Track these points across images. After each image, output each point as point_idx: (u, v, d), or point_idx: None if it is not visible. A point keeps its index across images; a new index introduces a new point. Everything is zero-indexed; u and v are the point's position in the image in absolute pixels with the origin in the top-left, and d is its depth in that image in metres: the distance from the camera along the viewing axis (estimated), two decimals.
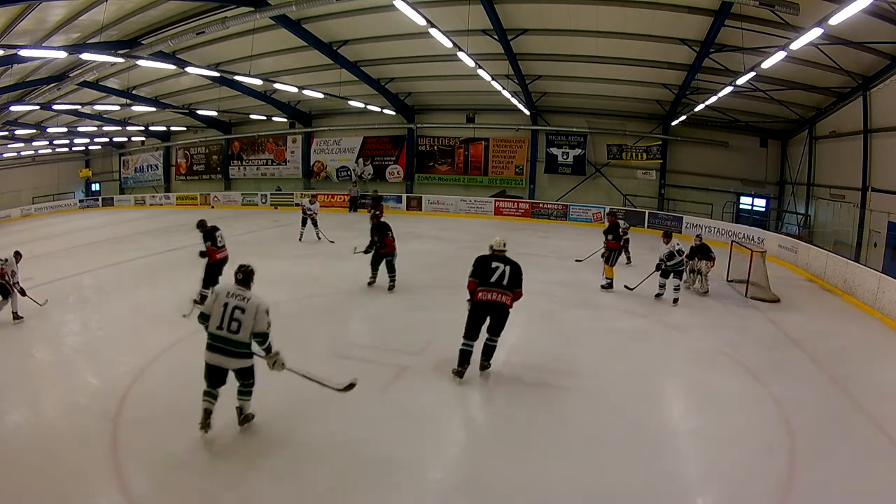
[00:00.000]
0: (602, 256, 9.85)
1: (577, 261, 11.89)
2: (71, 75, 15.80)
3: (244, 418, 4.54)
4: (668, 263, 8.73)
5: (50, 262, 12.01)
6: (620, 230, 9.92)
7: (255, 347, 4.34)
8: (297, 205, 14.34)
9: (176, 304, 8.66)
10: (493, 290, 5.41)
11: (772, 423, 4.93)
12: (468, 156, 22.46)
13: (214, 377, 4.34)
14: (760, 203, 18.58)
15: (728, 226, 15.85)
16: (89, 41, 12.86)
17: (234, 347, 4.23)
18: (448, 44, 11.02)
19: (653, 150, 19.70)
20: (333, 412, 4.97)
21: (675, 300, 8.71)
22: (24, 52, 11.06)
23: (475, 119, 21.96)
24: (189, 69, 14.72)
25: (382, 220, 9.32)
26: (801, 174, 16.80)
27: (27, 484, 3.78)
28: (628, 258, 11.77)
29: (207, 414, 4.31)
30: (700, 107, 15.65)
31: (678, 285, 8.80)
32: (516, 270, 5.49)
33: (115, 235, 16.36)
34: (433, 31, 10.20)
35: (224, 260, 8.37)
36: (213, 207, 25.53)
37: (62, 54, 11.29)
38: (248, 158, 26.65)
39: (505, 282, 5.41)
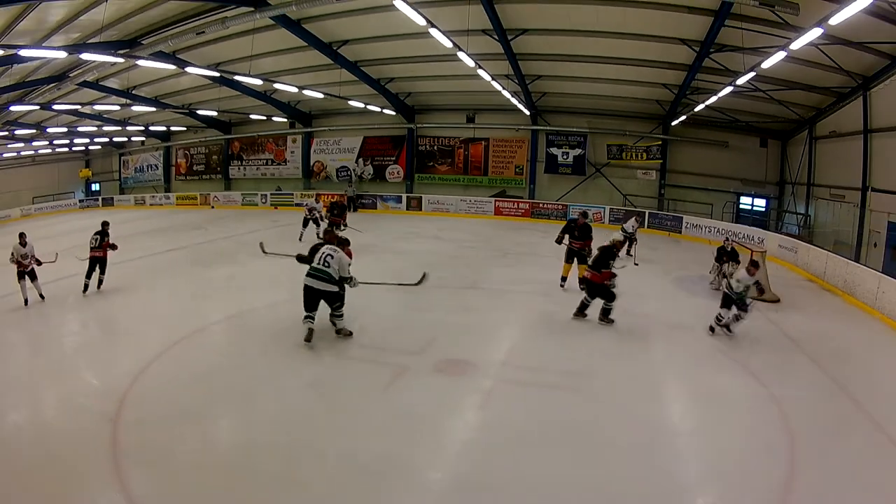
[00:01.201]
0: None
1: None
2: (71, 75, 15.79)
3: (339, 331, 6.62)
4: (737, 293, 7.21)
5: (50, 262, 12.00)
6: (627, 231, 10.09)
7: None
8: (303, 205, 14.33)
9: (176, 304, 8.68)
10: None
11: (772, 423, 4.93)
12: (468, 156, 22.46)
13: (310, 300, 6.31)
14: (760, 203, 18.57)
15: (728, 226, 15.84)
16: (89, 41, 12.86)
17: (322, 276, 6.26)
18: (448, 44, 11.02)
19: (653, 150, 19.69)
20: (333, 412, 4.98)
21: (728, 328, 7.32)
22: (24, 52, 11.06)
23: (475, 119, 21.95)
24: (189, 69, 14.71)
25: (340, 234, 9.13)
26: (801, 174, 16.80)
27: (27, 484, 3.78)
28: (629, 254, 11.81)
29: (310, 332, 6.35)
30: (700, 107, 15.64)
31: (738, 314, 7.23)
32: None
33: (114, 235, 16.32)
34: (433, 31, 10.20)
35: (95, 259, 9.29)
36: (213, 207, 25.55)
37: (62, 54, 11.28)
38: (248, 158, 26.65)
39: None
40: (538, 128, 21.00)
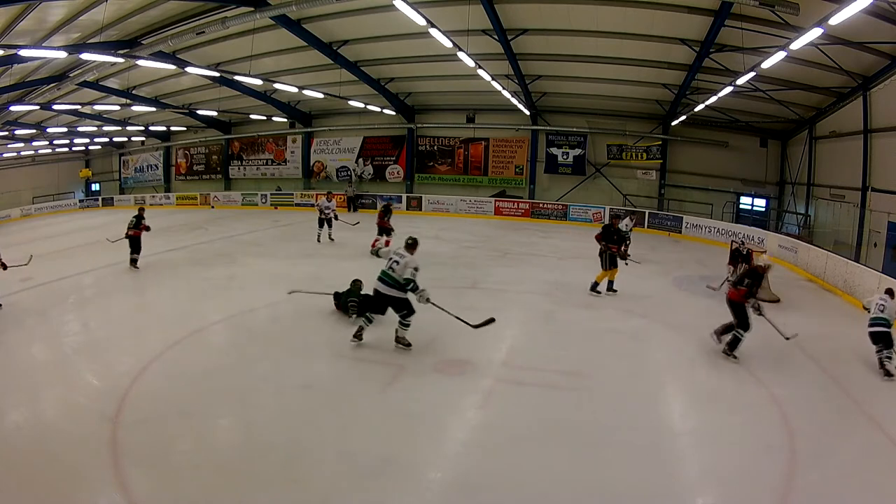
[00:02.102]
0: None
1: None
2: (71, 75, 15.80)
3: (399, 340, 6.32)
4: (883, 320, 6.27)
5: (50, 262, 12.01)
6: (621, 230, 9.81)
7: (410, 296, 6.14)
8: (315, 205, 14.31)
9: (176, 304, 8.68)
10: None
11: (772, 423, 4.92)
12: (468, 156, 22.47)
13: (376, 304, 6.24)
14: (760, 203, 18.57)
15: (728, 226, 15.85)
16: (89, 41, 12.86)
17: (388, 280, 6.12)
18: (448, 44, 11.02)
19: (653, 150, 19.69)
20: (333, 412, 4.98)
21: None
22: (24, 52, 11.07)
23: (475, 119, 21.95)
24: (189, 69, 14.71)
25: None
26: (801, 174, 16.80)
27: (27, 484, 3.78)
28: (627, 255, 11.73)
29: (360, 330, 6.36)
30: (700, 107, 15.64)
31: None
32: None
33: (115, 235, 16.34)
34: (433, 31, 10.20)
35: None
36: (213, 207, 25.54)
37: (62, 54, 11.28)
38: (248, 158, 26.65)
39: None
40: (538, 128, 21.00)
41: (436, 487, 3.96)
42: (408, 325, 6.30)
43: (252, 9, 10.93)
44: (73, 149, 28.57)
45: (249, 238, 15.59)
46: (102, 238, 15.77)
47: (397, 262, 6.11)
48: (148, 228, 11.21)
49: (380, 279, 6.16)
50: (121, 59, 12.01)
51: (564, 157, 20.92)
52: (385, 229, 12.35)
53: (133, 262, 11.05)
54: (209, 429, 4.72)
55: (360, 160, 24.12)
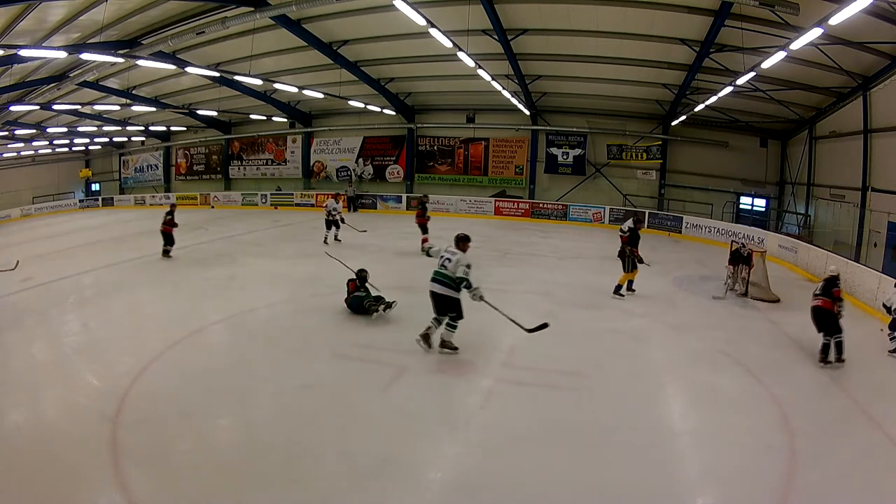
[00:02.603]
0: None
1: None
2: (71, 75, 15.80)
3: (443, 344, 6.20)
4: None
5: (50, 262, 12.02)
6: (623, 231, 9.84)
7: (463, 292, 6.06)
8: (325, 206, 14.46)
9: (176, 304, 8.68)
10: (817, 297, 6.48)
11: (772, 423, 4.92)
12: (468, 156, 22.46)
13: (434, 306, 6.18)
14: (760, 203, 18.58)
15: (728, 226, 15.85)
16: (89, 41, 12.86)
17: (440, 279, 6.08)
18: (448, 44, 11.02)
19: (653, 150, 19.69)
20: (332, 412, 4.98)
21: None
22: (24, 52, 11.06)
23: (475, 119, 21.95)
24: (189, 69, 14.72)
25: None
26: (801, 174, 16.80)
27: (27, 484, 3.78)
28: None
29: (427, 334, 6.26)
30: (700, 107, 15.64)
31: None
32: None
33: (115, 235, 16.37)
34: (433, 31, 10.20)
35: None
36: (213, 207, 25.54)
37: (62, 54, 11.28)
38: (248, 158, 26.65)
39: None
40: (538, 128, 21.00)
41: (436, 487, 3.96)
42: (454, 328, 6.15)
43: (252, 9, 10.94)
44: (73, 149, 28.57)
45: (249, 238, 15.59)
46: (104, 238, 15.84)
47: (449, 260, 6.03)
48: (175, 224, 12.30)
49: (433, 280, 6.09)
50: (121, 59, 12.01)
51: (564, 157, 20.92)
52: (423, 226, 12.96)
53: (164, 252, 12.19)
54: (209, 429, 4.72)
55: (360, 160, 24.12)
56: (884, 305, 7.25)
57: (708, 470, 4.29)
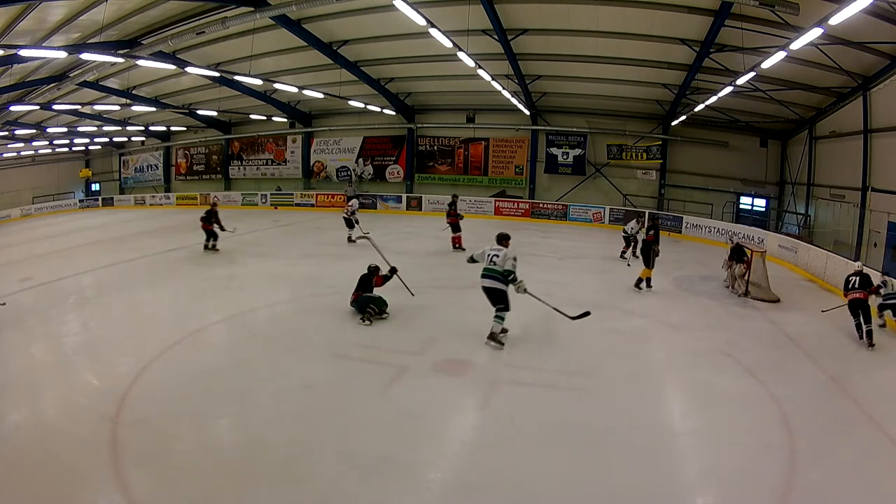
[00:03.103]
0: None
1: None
2: (71, 75, 15.79)
3: (491, 336, 6.50)
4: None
5: (50, 262, 12.02)
6: (626, 233, 10.15)
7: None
8: (348, 205, 14.72)
9: (176, 304, 8.68)
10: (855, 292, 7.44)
11: (772, 423, 4.92)
12: (468, 156, 22.46)
13: (488, 299, 6.56)
14: (760, 203, 18.57)
15: (728, 226, 15.84)
16: (89, 41, 12.85)
17: (490, 274, 6.47)
18: (448, 44, 11.02)
19: (653, 150, 19.69)
20: (333, 412, 4.98)
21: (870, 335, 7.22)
22: (24, 52, 11.05)
23: (475, 119, 21.95)
24: (189, 69, 14.71)
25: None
26: (801, 174, 16.80)
27: (27, 484, 3.78)
28: (635, 255, 11.81)
29: (499, 323, 6.59)
30: (700, 107, 15.64)
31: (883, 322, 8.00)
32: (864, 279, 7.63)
33: (115, 235, 16.37)
34: (433, 31, 10.20)
35: None
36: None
37: (62, 54, 11.27)
38: (248, 158, 26.65)
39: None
40: (538, 128, 21.00)
41: (436, 487, 3.96)
42: (502, 319, 6.48)
43: (252, 9, 10.93)
44: (73, 149, 28.55)
45: (249, 238, 15.59)
46: (104, 238, 15.83)
47: (497, 255, 6.49)
48: (215, 222, 12.87)
49: (484, 276, 6.52)
50: (121, 59, 12.00)
51: (564, 157, 20.92)
52: (455, 225, 13.03)
53: (205, 246, 12.84)
54: (209, 429, 4.73)
55: (360, 160, 24.12)
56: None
57: (708, 470, 4.29)
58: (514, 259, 6.42)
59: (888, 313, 7.88)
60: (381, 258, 8.73)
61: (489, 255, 6.58)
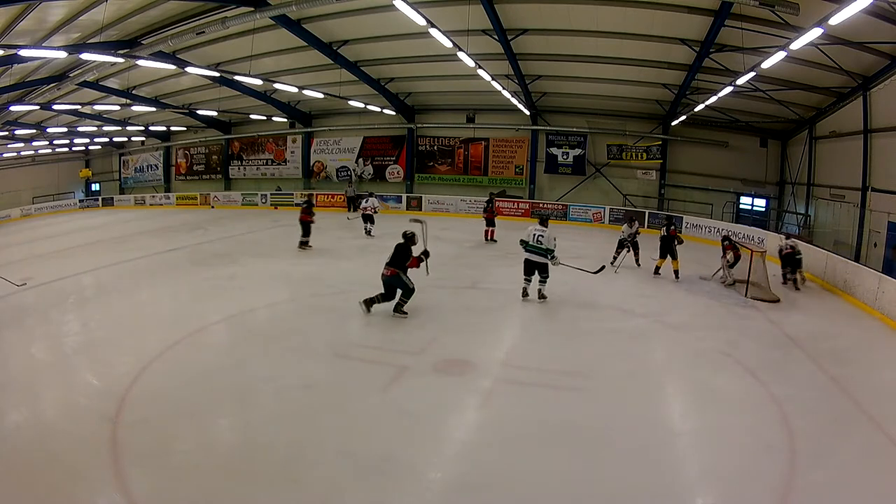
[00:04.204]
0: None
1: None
2: (71, 75, 15.79)
3: (540, 295, 8.44)
4: None
5: (50, 262, 12.03)
6: (627, 234, 10.51)
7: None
8: (366, 204, 15.39)
9: (176, 304, 8.69)
10: None
11: (772, 423, 4.92)
12: (468, 156, 22.46)
13: (528, 270, 8.47)
14: (760, 203, 18.57)
15: (728, 226, 15.84)
16: (89, 41, 12.85)
17: (537, 251, 8.29)
18: (448, 44, 11.02)
19: (653, 150, 19.69)
20: (332, 412, 4.98)
21: None
22: (24, 52, 11.05)
23: (475, 119, 21.95)
24: (189, 69, 14.70)
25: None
26: (801, 174, 16.80)
27: (27, 484, 3.78)
28: (638, 264, 11.67)
29: (525, 291, 8.58)
30: (700, 107, 15.64)
31: None
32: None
33: (115, 235, 16.37)
34: (433, 31, 10.20)
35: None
36: (213, 207, 25.55)
37: (62, 54, 11.27)
38: (248, 158, 26.65)
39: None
40: (538, 128, 21.00)
41: (436, 487, 3.96)
42: (546, 281, 8.48)
43: (252, 9, 10.93)
44: (73, 149, 28.55)
45: (249, 238, 15.59)
46: (104, 238, 15.83)
47: (542, 235, 8.25)
48: (311, 213, 13.05)
49: (529, 251, 8.33)
50: (121, 59, 12.00)
51: (564, 157, 20.92)
52: (490, 220, 14.25)
53: (302, 244, 12.93)
54: (209, 429, 4.73)
55: (360, 160, 24.12)
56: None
57: (708, 470, 4.29)
58: (555, 239, 8.31)
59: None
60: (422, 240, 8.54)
61: (535, 234, 8.24)
